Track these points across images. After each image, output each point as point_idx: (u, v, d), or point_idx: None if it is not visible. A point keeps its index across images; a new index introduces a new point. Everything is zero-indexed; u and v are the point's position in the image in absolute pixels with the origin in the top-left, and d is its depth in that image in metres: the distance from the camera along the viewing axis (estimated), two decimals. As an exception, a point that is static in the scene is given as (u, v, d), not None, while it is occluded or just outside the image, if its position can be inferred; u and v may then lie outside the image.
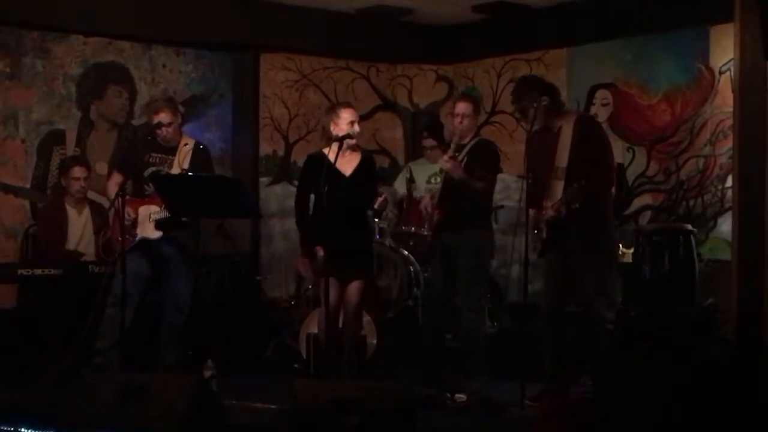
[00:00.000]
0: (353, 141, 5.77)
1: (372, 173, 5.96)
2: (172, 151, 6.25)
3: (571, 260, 5.72)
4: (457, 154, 5.95)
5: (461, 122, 6.01)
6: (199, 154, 6.30)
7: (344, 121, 5.77)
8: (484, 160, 5.97)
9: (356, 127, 5.78)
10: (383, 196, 5.84)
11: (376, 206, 5.82)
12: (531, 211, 5.77)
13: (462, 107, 6.04)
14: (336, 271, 5.65)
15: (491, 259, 6.26)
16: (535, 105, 5.63)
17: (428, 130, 7.82)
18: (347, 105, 6.00)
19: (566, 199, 5.50)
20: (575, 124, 5.68)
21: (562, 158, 5.61)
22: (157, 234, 6.17)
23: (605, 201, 5.78)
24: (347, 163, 5.78)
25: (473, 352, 6.00)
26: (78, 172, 6.84)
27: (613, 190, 6.07)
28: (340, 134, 5.73)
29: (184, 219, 5.92)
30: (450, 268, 6.01)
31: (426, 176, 7.51)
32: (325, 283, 5.56)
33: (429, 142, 7.68)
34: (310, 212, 5.86)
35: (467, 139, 6.03)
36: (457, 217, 5.93)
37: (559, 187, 5.61)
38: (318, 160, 5.80)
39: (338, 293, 5.76)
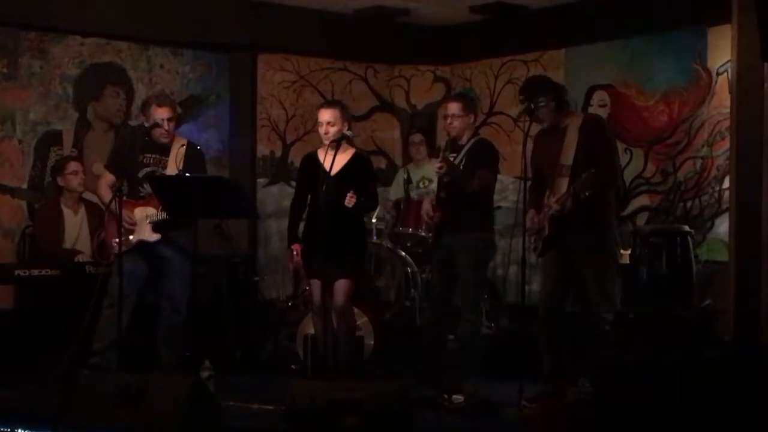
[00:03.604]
0: (343, 142, 5.76)
1: (363, 172, 5.88)
2: (167, 151, 6.23)
3: (571, 259, 5.72)
4: (454, 155, 5.96)
5: (451, 123, 6.02)
6: (194, 155, 6.29)
7: (319, 123, 5.83)
8: (483, 159, 5.97)
9: (326, 129, 5.75)
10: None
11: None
12: (530, 212, 5.77)
13: (452, 108, 6.05)
14: (320, 271, 5.69)
15: (490, 261, 6.26)
16: (542, 105, 5.65)
17: (419, 129, 7.99)
18: (324, 106, 6.01)
19: (575, 189, 5.48)
20: (582, 123, 5.70)
21: (568, 156, 5.62)
22: (155, 237, 6.16)
23: (607, 202, 5.79)
24: (336, 163, 5.74)
25: (470, 353, 6.01)
26: (74, 166, 6.86)
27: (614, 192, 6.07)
28: (321, 134, 5.80)
29: (181, 220, 5.94)
30: (449, 270, 6.02)
31: (417, 179, 7.56)
32: (313, 284, 5.73)
33: (417, 137, 7.83)
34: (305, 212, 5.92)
35: (464, 140, 6.03)
36: (456, 219, 5.93)
37: (563, 185, 5.61)
38: (309, 161, 5.92)
39: (325, 293, 5.77)
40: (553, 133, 5.79)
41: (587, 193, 5.43)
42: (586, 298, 5.74)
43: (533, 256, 5.90)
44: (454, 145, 6.06)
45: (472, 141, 6.03)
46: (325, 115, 5.80)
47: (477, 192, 5.92)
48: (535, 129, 5.92)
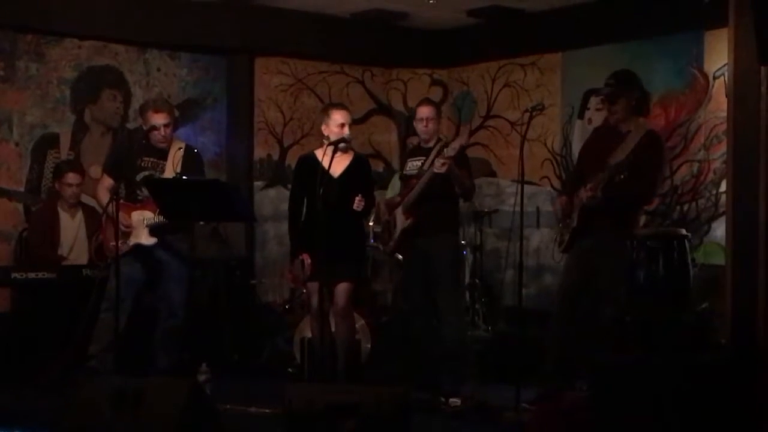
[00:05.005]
0: (345, 145, 5.75)
1: (364, 175, 5.92)
2: (165, 155, 6.23)
3: (591, 255, 5.67)
4: (423, 158, 6.01)
5: (426, 126, 6.07)
6: (192, 158, 6.29)
7: (335, 123, 5.79)
8: (464, 162, 6.00)
9: (346, 130, 5.76)
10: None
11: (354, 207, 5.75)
12: (561, 199, 5.80)
13: (425, 111, 6.09)
14: (322, 273, 5.64)
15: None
16: (625, 97, 5.65)
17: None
18: (340, 107, 5.99)
19: (609, 171, 5.43)
20: (644, 135, 5.61)
21: (618, 158, 5.55)
22: (151, 240, 6.16)
23: (637, 213, 5.78)
24: (337, 165, 5.75)
25: (461, 355, 5.99)
26: (72, 178, 6.84)
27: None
28: (331, 136, 5.77)
29: (178, 224, 5.94)
30: (427, 273, 6.01)
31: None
32: (319, 288, 5.60)
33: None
34: (302, 216, 5.87)
35: (432, 143, 6.07)
36: (432, 221, 5.95)
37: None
38: (308, 162, 5.87)
39: (323, 296, 5.74)
40: (610, 134, 5.74)
41: (622, 176, 5.38)
42: (598, 295, 5.67)
43: (560, 250, 5.88)
44: (421, 149, 6.11)
45: (442, 144, 6.03)
46: (343, 116, 5.80)
47: (470, 192, 5.96)
48: (540, 131, 5.91)
